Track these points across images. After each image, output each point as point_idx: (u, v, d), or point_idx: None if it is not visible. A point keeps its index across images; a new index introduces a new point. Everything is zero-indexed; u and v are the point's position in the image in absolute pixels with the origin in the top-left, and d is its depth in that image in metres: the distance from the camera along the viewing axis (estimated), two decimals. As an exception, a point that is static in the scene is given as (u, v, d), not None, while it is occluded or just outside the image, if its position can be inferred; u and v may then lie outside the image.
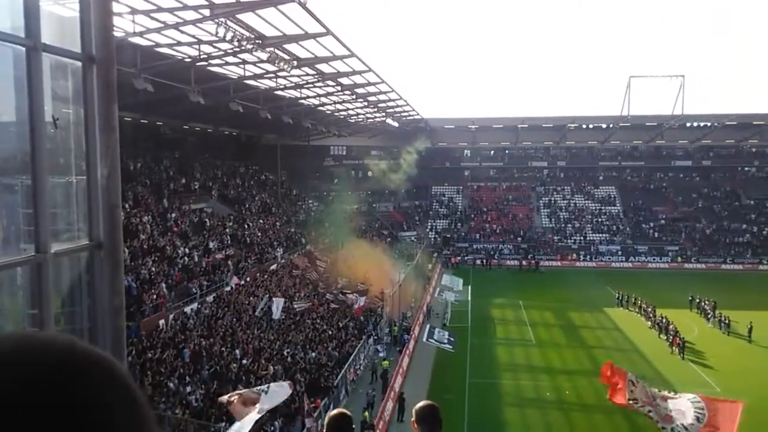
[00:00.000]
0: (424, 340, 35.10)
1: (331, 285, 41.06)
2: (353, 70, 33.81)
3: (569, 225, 72.61)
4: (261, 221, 46.10)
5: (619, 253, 67.95)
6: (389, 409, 25.26)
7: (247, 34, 24.63)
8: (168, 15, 22.88)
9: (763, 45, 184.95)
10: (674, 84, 78.38)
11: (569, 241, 70.36)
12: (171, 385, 20.45)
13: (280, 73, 32.38)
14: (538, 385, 30.22)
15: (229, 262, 34.27)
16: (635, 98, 76.61)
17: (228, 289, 31.33)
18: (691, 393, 10.61)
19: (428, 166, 73.66)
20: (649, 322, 40.77)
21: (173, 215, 34.97)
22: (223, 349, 24.64)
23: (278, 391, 11.97)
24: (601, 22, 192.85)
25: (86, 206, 2.90)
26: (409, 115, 61.42)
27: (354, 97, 43.55)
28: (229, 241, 37.48)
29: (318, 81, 36.28)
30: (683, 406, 9.81)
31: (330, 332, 32.12)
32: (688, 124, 73.69)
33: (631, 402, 9.95)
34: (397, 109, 54.96)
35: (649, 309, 42.06)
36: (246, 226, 42.24)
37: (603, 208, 74.68)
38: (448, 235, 71.54)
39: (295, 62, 29.19)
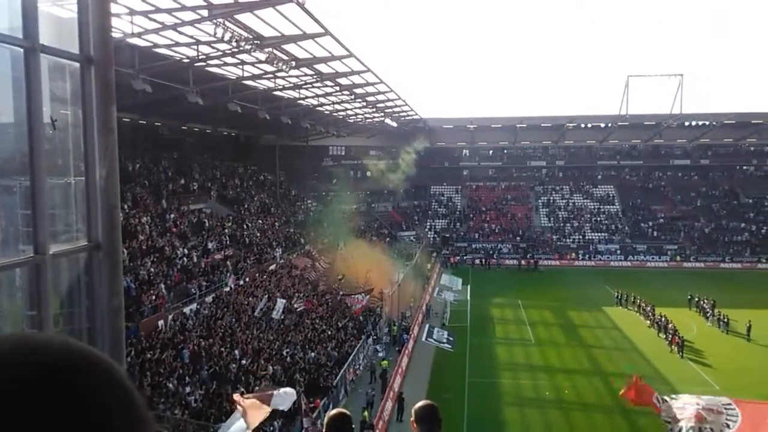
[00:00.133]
0: (423, 339, 35.09)
1: (331, 285, 41.04)
2: (352, 71, 33.81)
3: (568, 224, 72.65)
4: (260, 221, 46.08)
5: (618, 252, 68.00)
6: (388, 409, 25.27)
7: (245, 34, 24.63)
8: (166, 16, 22.86)
9: (762, 44, 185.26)
10: (672, 83, 78.63)
11: (568, 240, 70.40)
12: (170, 385, 20.44)
13: (279, 74, 32.35)
14: (538, 384, 30.23)
15: (228, 262, 34.24)
16: (634, 97, 76.98)
17: (227, 289, 31.31)
18: (724, 397, 10.47)
19: (427, 166, 73.67)
20: (648, 321, 40.81)
21: (172, 216, 34.94)
22: (223, 349, 24.62)
23: (285, 397, 12.64)
24: (599, 22, 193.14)
25: (85, 207, 2.90)
26: (408, 115, 61.42)
27: (352, 97, 43.53)
28: (228, 242, 37.46)
29: (316, 81, 36.26)
30: (712, 417, 9.66)
31: (329, 332, 32.12)
32: (687, 123, 73.79)
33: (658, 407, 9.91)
34: (395, 109, 54.97)
35: (648, 308, 42.09)
36: (245, 227, 42.22)
37: (602, 207, 74.73)
38: (447, 235, 71.56)
39: (294, 63, 29.17)
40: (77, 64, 2.84)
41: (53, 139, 2.93)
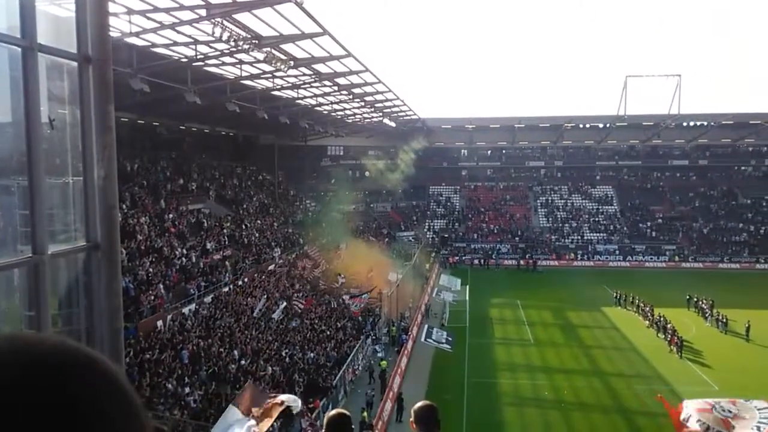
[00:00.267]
0: (423, 340, 35.07)
1: (331, 285, 41.02)
2: (350, 70, 33.79)
3: (566, 224, 72.71)
4: (258, 222, 46.05)
5: (617, 252, 68.07)
6: (388, 410, 25.27)
7: (243, 34, 24.60)
8: (164, 15, 22.82)
9: (760, 44, 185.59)
10: (671, 83, 78.68)
11: (567, 240, 70.45)
12: (169, 386, 20.42)
13: (277, 74, 32.32)
14: (536, 384, 30.25)
15: (227, 262, 34.21)
16: (632, 98, 77.12)
17: (226, 290, 31.28)
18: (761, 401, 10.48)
19: (426, 166, 73.73)
20: (647, 322, 40.85)
21: (170, 216, 34.89)
22: (222, 349, 24.61)
23: (295, 402, 13.71)
24: (597, 22, 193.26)
25: (83, 207, 2.89)
26: (407, 115, 61.40)
27: (351, 97, 43.49)
28: (226, 242, 37.42)
29: (315, 81, 36.24)
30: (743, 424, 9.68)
31: (328, 332, 32.12)
32: (685, 124, 73.90)
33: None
34: (394, 109, 54.94)
35: (647, 308, 42.13)
36: (243, 227, 42.18)
37: (600, 207, 74.80)
38: (446, 235, 71.57)
39: (292, 62, 29.14)
40: (75, 64, 2.83)
41: (51, 139, 2.92)
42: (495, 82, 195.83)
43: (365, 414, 23.29)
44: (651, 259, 66.89)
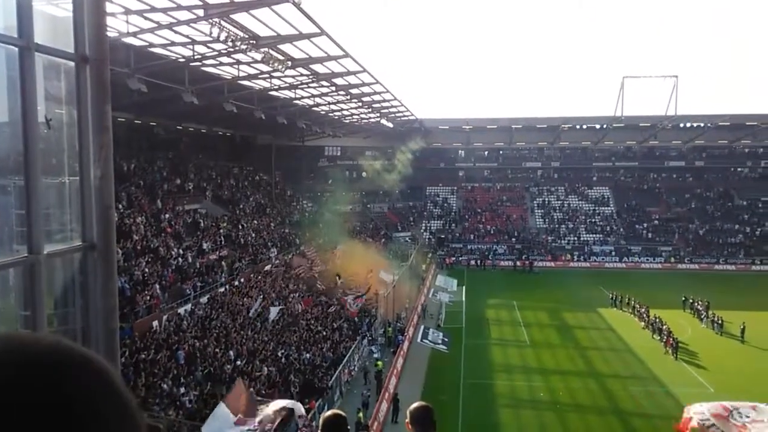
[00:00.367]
0: (419, 340, 35.04)
1: (330, 285, 40.93)
2: (348, 71, 33.78)
3: (563, 225, 72.81)
4: (255, 222, 46.00)
5: (613, 253, 68.19)
6: (384, 410, 25.26)
7: (241, 34, 24.58)
8: (162, 15, 22.79)
9: (757, 46, 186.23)
10: (667, 84, 79.05)
11: (563, 241, 70.55)
12: (165, 386, 20.38)
13: (275, 74, 32.30)
14: (532, 385, 30.29)
15: (223, 263, 34.16)
16: (629, 99, 77.16)
17: (222, 290, 31.24)
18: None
19: (423, 167, 73.76)
20: (643, 323, 40.94)
21: (167, 216, 34.83)
22: (217, 350, 24.57)
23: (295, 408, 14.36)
24: (594, 23, 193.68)
25: (79, 207, 2.89)
26: (404, 116, 61.40)
27: (348, 97, 43.50)
28: (223, 242, 37.38)
29: (312, 81, 36.22)
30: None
31: (324, 333, 32.09)
32: (682, 125, 74.05)
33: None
34: (391, 110, 54.94)
35: (643, 309, 42.23)
36: (240, 227, 42.13)
37: (596, 208, 74.94)
38: (443, 236, 71.60)
39: (290, 63, 29.12)
40: (72, 64, 2.83)
41: (48, 139, 2.92)
42: (492, 83, 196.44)
43: (361, 415, 23.27)
44: (647, 260, 67.04)
